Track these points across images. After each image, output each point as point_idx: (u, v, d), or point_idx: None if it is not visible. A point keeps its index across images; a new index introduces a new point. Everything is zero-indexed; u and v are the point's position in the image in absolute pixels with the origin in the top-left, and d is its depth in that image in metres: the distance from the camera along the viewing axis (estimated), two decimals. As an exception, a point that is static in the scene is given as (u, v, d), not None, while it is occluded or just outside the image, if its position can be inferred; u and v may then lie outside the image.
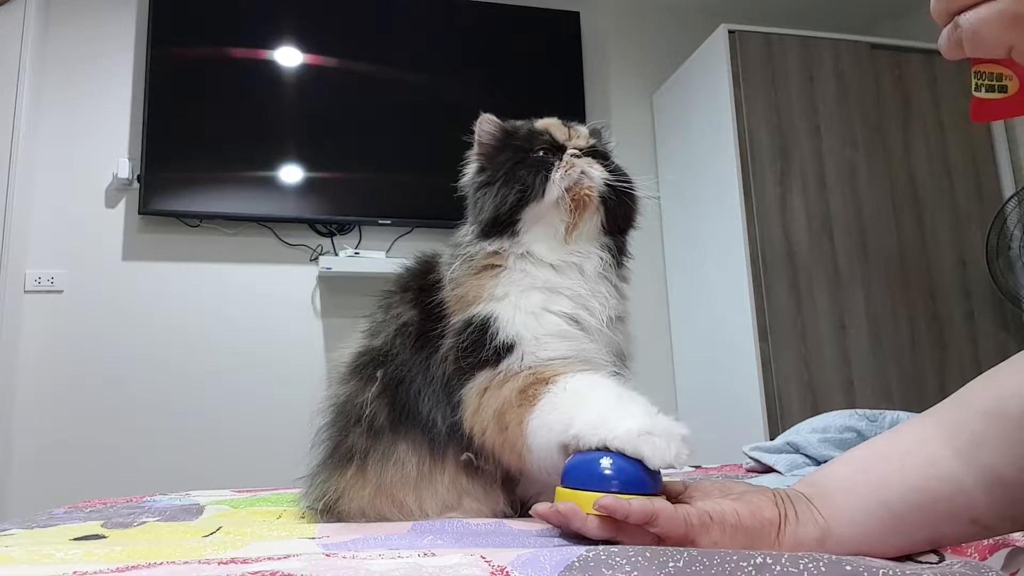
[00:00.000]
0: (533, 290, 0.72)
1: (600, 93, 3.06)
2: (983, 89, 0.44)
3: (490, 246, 0.75)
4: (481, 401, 0.66)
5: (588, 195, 0.75)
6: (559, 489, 0.58)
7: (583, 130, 0.82)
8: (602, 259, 0.76)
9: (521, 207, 0.74)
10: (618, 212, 0.78)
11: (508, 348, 0.67)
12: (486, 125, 0.81)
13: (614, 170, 0.79)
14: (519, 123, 0.83)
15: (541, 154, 0.77)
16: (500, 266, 0.74)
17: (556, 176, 0.74)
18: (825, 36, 2.65)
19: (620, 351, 0.76)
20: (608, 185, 0.76)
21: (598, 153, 0.80)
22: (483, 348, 0.68)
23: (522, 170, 0.75)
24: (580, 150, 0.78)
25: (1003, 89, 0.44)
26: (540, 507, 0.56)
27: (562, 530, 0.56)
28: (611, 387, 0.63)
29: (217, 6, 2.64)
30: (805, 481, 0.55)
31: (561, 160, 0.76)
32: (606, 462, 0.55)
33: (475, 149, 0.82)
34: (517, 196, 0.74)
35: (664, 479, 0.58)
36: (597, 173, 0.76)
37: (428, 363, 0.71)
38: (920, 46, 2.74)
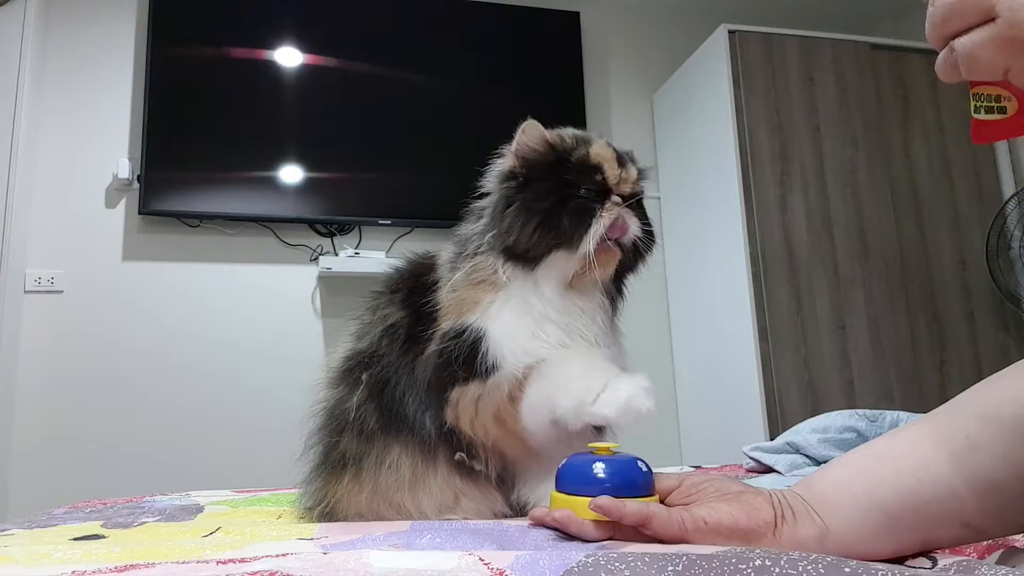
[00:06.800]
0: (527, 317, 0.71)
1: (600, 93, 3.06)
2: (982, 111, 0.44)
3: (503, 269, 0.72)
4: (477, 408, 0.70)
5: (615, 250, 0.73)
6: (554, 493, 0.59)
7: (634, 171, 0.76)
8: (603, 307, 0.75)
9: (550, 252, 0.71)
10: (633, 262, 0.76)
11: (495, 366, 0.69)
12: (531, 133, 0.74)
13: (644, 219, 0.75)
14: (568, 140, 0.76)
15: (586, 197, 0.72)
16: (503, 284, 0.73)
17: (592, 231, 0.70)
18: (825, 36, 2.65)
19: None
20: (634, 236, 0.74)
21: (638, 198, 0.75)
22: (473, 361, 0.69)
23: (565, 217, 0.70)
24: (623, 196, 0.74)
25: (1002, 110, 0.44)
26: (536, 512, 0.59)
27: (559, 535, 0.57)
28: (573, 362, 0.69)
29: (217, 6, 2.64)
30: (803, 483, 0.56)
31: (603, 207, 0.72)
32: (599, 467, 0.57)
33: (513, 151, 0.75)
34: (552, 243, 0.71)
35: (658, 472, 0.60)
36: (632, 229, 0.73)
37: (415, 365, 0.72)
38: (920, 46, 2.74)
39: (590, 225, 0.70)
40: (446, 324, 0.71)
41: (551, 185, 0.73)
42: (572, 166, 0.74)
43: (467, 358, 0.69)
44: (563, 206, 0.71)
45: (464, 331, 0.70)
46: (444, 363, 0.70)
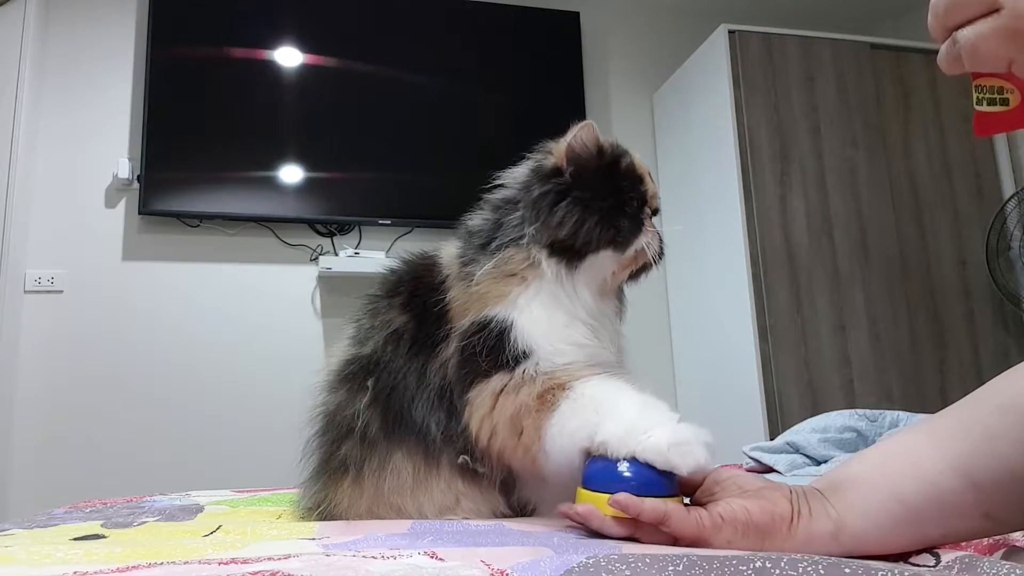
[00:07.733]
0: (559, 312, 0.71)
1: (600, 93, 3.06)
2: (984, 103, 0.44)
3: (546, 263, 0.71)
4: (495, 403, 0.66)
5: (639, 259, 0.76)
6: (580, 490, 0.60)
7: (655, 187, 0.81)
8: (617, 311, 0.78)
9: (600, 249, 0.73)
10: (645, 271, 0.79)
11: (525, 354, 0.67)
12: (589, 134, 0.75)
13: (658, 233, 0.79)
14: (619, 149, 0.78)
15: (635, 205, 0.75)
16: (534, 278, 0.72)
17: (644, 239, 0.74)
18: (825, 36, 2.65)
19: None
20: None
21: (657, 213, 0.81)
22: (499, 352, 0.67)
23: (623, 220, 0.73)
24: (652, 210, 0.78)
25: (1004, 102, 0.44)
26: (561, 507, 0.60)
27: (582, 529, 0.59)
28: (631, 393, 0.64)
29: (217, 6, 2.64)
30: (823, 479, 0.56)
31: (646, 219, 0.76)
32: (624, 465, 0.58)
33: (566, 146, 0.75)
34: (607, 240, 0.72)
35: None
36: (656, 243, 0.76)
37: (425, 369, 0.70)
38: (920, 46, 2.74)
39: (640, 231, 0.74)
40: (466, 320, 0.70)
41: (608, 188, 0.75)
42: (623, 175, 0.76)
43: (492, 349, 0.67)
44: (622, 209, 0.74)
45: (489, 322, 0.68)
46: (466, 359, 0.68)
